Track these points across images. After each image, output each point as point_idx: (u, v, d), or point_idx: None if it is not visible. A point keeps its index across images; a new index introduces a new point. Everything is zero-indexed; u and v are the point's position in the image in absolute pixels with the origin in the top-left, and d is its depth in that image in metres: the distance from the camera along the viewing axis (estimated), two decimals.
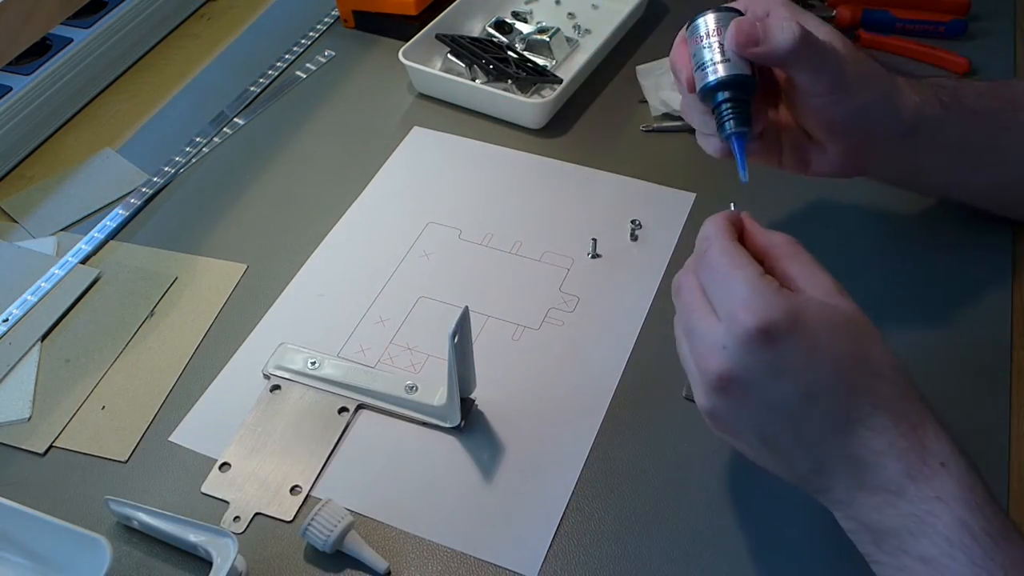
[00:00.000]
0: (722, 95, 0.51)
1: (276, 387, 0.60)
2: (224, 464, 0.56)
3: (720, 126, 0.52)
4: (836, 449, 0.43)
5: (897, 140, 0.57)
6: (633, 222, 0.69)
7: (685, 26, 0.54)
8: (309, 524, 0.51)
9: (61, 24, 0.83)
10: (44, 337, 0.65)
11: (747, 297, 0.42)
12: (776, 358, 0.42)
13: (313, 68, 0.88)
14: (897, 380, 0.43)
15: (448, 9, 0.86)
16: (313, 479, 0.55)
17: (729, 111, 0.51)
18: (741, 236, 0.48)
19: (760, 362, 0.42)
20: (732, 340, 0.43)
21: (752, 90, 0.52)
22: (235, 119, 0.83)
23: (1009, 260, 0.66)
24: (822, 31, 0.53)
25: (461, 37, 0.83)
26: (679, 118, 0.79)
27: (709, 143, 0.56)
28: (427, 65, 0.82)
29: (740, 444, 0.47)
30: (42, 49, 0.83)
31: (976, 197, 0.65)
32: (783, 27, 0.50)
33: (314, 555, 0.52)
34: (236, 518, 0.54)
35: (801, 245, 0.47)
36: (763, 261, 0.46)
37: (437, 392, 0.58)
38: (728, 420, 0.46)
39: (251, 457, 0.57)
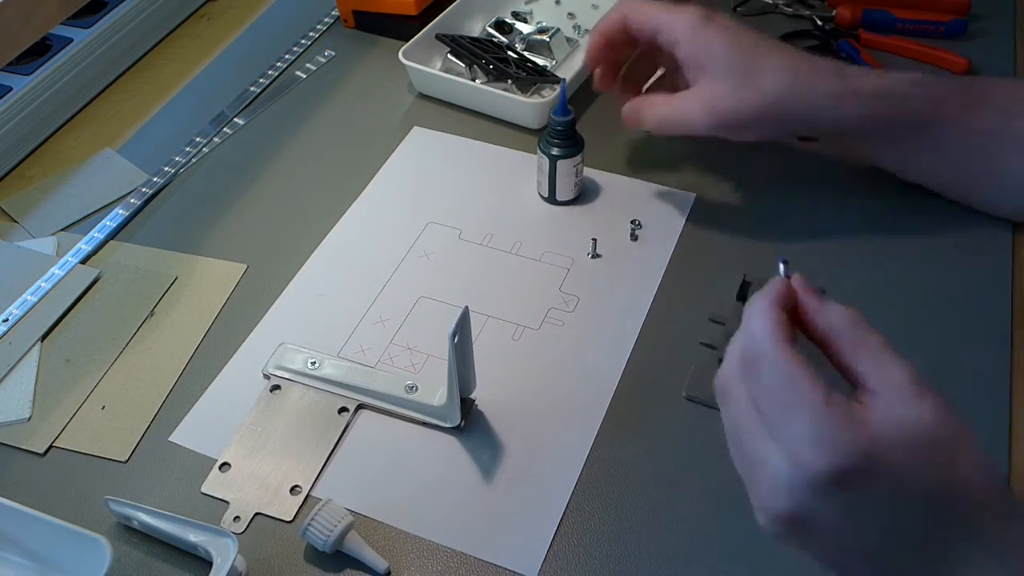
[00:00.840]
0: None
1: (276, 387, 0.60)
2: (224, 464, 0.56)
3: None
4: None
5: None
6: (633, 222, 0.69)
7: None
8: (309, 524, 0.51)
9: (61, 24, 0.83)
10: (44, 337, 0.65)
11: (814, 436, 0.36)
12: (851, 502, 0.37)
13: (313, 68, 0.88)
14: (993, 499, 0.37)
15: (448, 9, 0.86)
16: (313, 479, 0.55)
17: None
18: (793, 310, 0.41)
19: (832, 507, 0.37)
20: (799, 483, 0.37)
21: None
22: (235, 119, 0.83)
23: (1009, 260, 0.66)
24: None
25: (461, 37, 0.83)
26: None
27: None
28: (427, 65, 0.82)
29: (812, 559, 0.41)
30: (42, 49, 0.83)
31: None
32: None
33: (314, 555, 0.52)
34: (236, 518, 0.54)
35: (866, 323, 0.40)
36: (824, 348, 0.40)
37: (437, 392, 0.58)
38: (796, 548, 0.40)
39: (251, 457, 0.57)
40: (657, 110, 0.65)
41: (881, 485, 0.36)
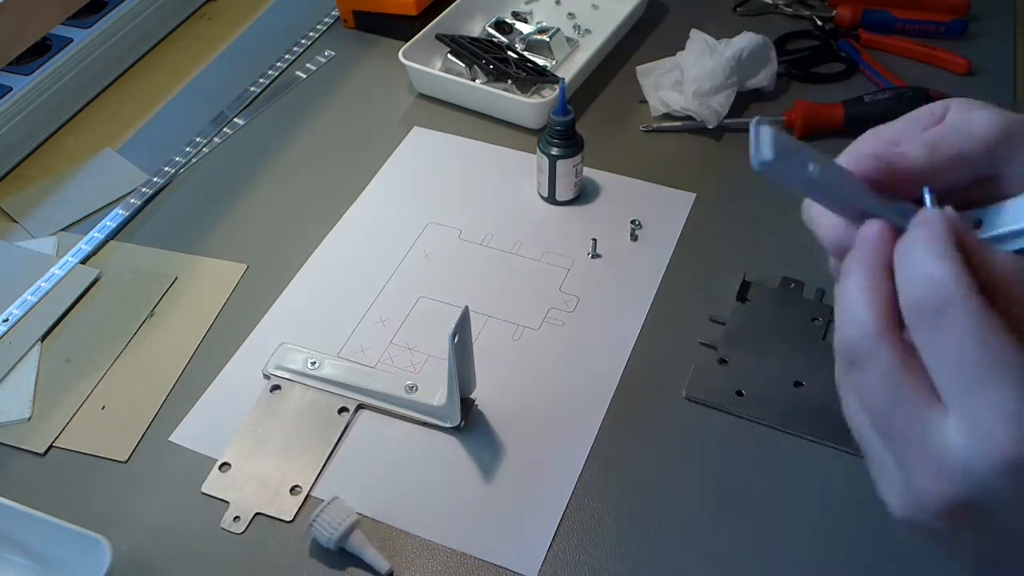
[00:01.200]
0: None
1: (276, 387, 0.60)
2: (224, 464, 0.56)
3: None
4: None
5: None
6: (633, 222, 0.69)
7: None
8: (315, 519, 0.51)
9: (61, 24, 0.83)
10: (44, 337, 0.65)
11: (1016, 408, 0.28)
12: (976, 525, 0.30)
13: (313, 68, 0.88)
14: None
15: (448, 9, 0.86)
16: (313, 479, 0.55)
17: None
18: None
19: (954, 529, 0.31)
20: (986, 463, 0.29)
21: None
22: (235, 119, 0.83)
23: None
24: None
25: (461, 37, 0.83)
26: (679, 118, 0.79)
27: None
28: (427, 65, 0.82)
29: (943, 548, 0.34)
30: (42, 49, 0.83)
31: None
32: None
33: (314, 555, 0.52)
34: (236, 518, 0.54)
35: None
36: (993, 300, 0.30)
37: (437, 392, 0.58)
38: (942, 542, 0.33)
39: (251, 457, 0.57)
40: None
41: (1016, 511, 0.29)
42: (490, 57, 0.80)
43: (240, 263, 0.69)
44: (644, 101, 0.80)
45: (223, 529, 0.53)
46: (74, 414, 0.60)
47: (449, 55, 0.82)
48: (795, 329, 0.62)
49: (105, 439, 0.58)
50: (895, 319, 0.31)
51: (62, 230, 0.73)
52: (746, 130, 0.77)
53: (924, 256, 0.30)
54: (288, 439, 0.57)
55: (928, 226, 0.31)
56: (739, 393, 0.58)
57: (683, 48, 0.79)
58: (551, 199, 0.72)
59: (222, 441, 0.57)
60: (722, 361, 0.60)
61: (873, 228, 0.32)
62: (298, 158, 0.79)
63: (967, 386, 0.29)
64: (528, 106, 0.77)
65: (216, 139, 0.80)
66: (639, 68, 0.81)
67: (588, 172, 0.74)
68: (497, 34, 0.86)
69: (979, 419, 0.29)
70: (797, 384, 0.58)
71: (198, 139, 0.80)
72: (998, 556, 0.32)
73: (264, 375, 0.61)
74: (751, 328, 0.62)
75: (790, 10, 0.91)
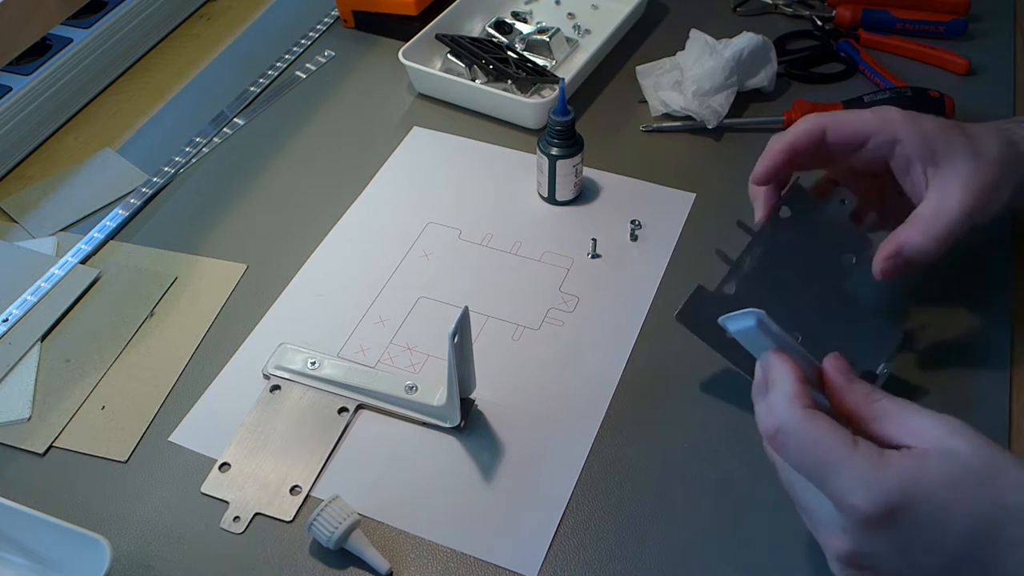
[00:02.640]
0: None
1: (276, 387, 0.60)
2: (224, 464, 0.56)
3: None
4: None
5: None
6: (633, 222, 0.69)
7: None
8: (315, 519, 0.51)
9: (61, 24, 0.83)
10: (44, 337, 0.65)
11: (852, 483, 0.39)
12: (902, 534, 0.39)
13: (313, 68, 0.88)
14: None
15: (448, 9, 0.86)
16: (313, 479, 0.55)
17: None
18: (819, 379, 0.45)
19: (885, 542, 0.40)
20: (851, 524, 0.40)
21: None
22: (235, 119, 0.83)
23: (1009, 260, 0.66)
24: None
25: (461, 37, 0.83)
26: (679, 118, 0.79)
27: None
28: (427, 65, 0.82)
29: None
30: (42, 49, 0.83)
31: None
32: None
33: (314, 555, 0.52)
34: (236, 518, 0.54)
35: (881, 394, 0.43)
36: (854, 425, 0.43)
37: (437, 392, 0.58)
38: None
39: (251, 457, 0.57)
40: (915, 231, 0.52)
41: (927, 513, 0.38)
42: (490, 57, 0.80)
43: (240, 263, 0.69)
44: (644, 101, 0.80)
45: (223, 529, 0.53)
46: (74, 414, 0.60)
47: (449, 55, 0.83)
48: (819, 266, 0.55)
49: (105, 439, 0.58)
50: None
51: (62, 230, 0.73)
52: (746, 130, 0.78)
53: (773, 388, 0.44)
54: (288, 439, 0.57)
55: (781, 369, 0.44)
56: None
57: (683, 48, 0.80)
58: (551, 199, 0.72)
59: (222, 441, 0.57)
60: (727, 287, 0.55)
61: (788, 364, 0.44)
62: (298, 158, 0.79)
63: (820, 477, 0.41)
64: (528, 106, 0.77)
65: (216, 139, 0.80)
66: (639, 68, 0.81)
67: (588, 172, 0.74)
68: (497, 34, 0.86)
69: (835, 496, 0.40)
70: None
71: (198, 139, 0.80)
72: None
73: (264, 375, 0.61)
74: (776, 254, 0.55)
75: (790, 10, 0.91)
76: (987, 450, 0.40)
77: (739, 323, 0.46)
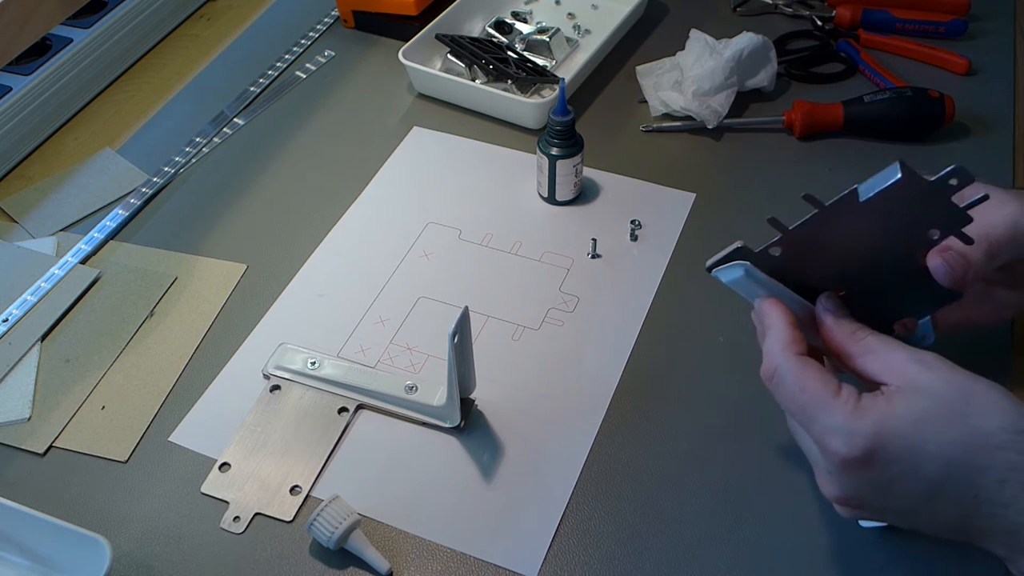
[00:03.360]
0: None
1: (276, 387, 0.60)
2: (224, 464, 0.56)
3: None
4: (977, 527, 0.42)
5: None
6: (633, 222, 0.69)
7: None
8: (315, 519, 0.51)
9: (61, 24, 0.83)
10: (44, 337, 0.65)
11: (832, 427, 0.42)
12: (881, 474, 0.42)
13: (313, 68, 0.88)
14: (1012, 438, 0.41)
15: (448, 9, 0.86)
16: (313, 479, 0.55)
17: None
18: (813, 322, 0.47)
19: (867, 482, 0.43)
20: (833, 467, 0.43)
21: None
22: (235, 119, 0.83)
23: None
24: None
25: (461, 37, 0.83)
26: (679, 118, 0.79)
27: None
28: (427, 65, 0.82)
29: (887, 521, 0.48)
30: (42, 49, 0.83)
31: None
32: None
33: (314, 555, 0.52)
34: (236, 518, 0.54)
35: (867, 332, 0.45)
36: (842, 361, 0.46)
37: (437, 392, 0.58)
38: (864, 517, 0.47)
39: (251, 457, 0.57)
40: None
41: (902, 453, 0.41)
42: (490, 57, 0.80)
43: (240, 263, 0.69)
44: (644, 101, 0.80)
45: (223, 529, 0.53)
46: (74, 414, 0.60)
47: (449, 55, 0.83)
48: (894, 236, 0.48)
49: (105, 439, 0.58)
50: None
51: (62, 230, 0.73)
52: (746, 130, 0.78)
53: (768, 334, 0.46)
54: (288, 439, 0.57)
55: (774, 317, 0.46)
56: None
57: (683, 48, 0.80)
58: (551, 199, 0.72)
59: (222, 441, 0.57)
60: (773, 250, 0.48)
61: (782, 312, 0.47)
62: (298, 158, 0.79)
63: (806, 419, 0.44)
64: (528, 106, 0.77)
65: (216, 139, 0.80)
66: (639, 68, 0.81)
67: (588, 172, 0.74)
68: (497, 34, 0.86)
69: (819, 440, 0.43)
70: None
71: (198, 139, 0.80)
72: (907, 521, 0.45)
73: (264, 375, 0.61)
74: (843, 225, 0.48)
75: (790, 10, 0.91)
76: (958, 382, 0.42)
77: (729, 274, 0.48)
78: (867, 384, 0.45)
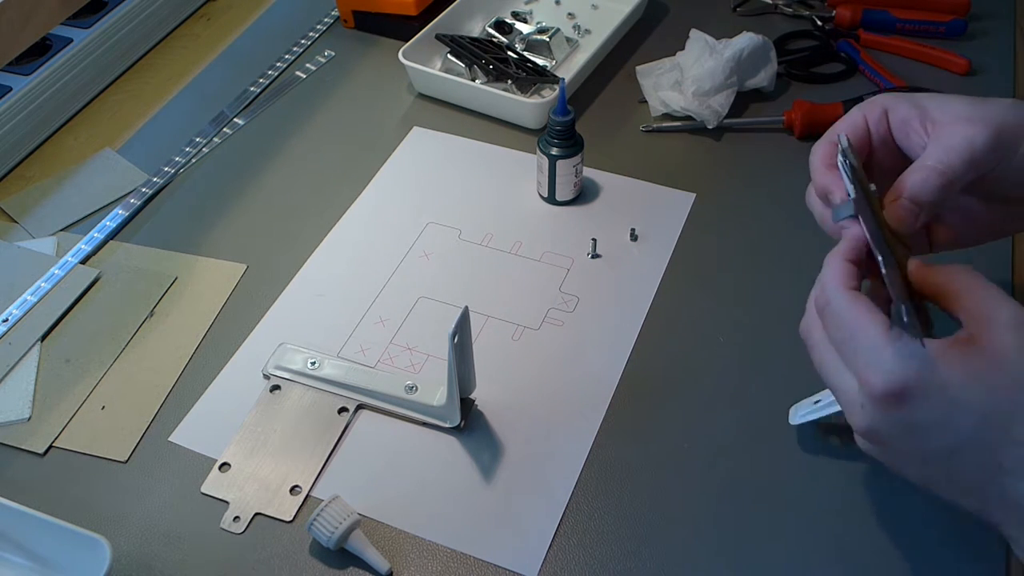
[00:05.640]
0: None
1: (276, 387, 0.60)
2: (224, 464, 0.56)
3: None
4: (994, 497, 0.42)
5: None
6: (632, 231, 0.69)
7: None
8: (315, 519, 0.51)
9: (61, 24, 0.83)
10: (44, 337, 0.65)
11: (873, 360, 0.42)
12: (910, 418, 0.42)
13: (313, 68, 0.88)
14: None
15: (448, 9, 0.86)
16: (313, 479, 0.55)
17: None
18: (903, 271, 0.45)
19: (896, 422, 0.42)
20: (866, 400, 0.43)
21: None
22: (235, 119, 0.83)
23: (1009, 260, 0.66)
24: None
25: (461, 37, 0.83)
26: (679, 118, 0.79)
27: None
28: (427, 65, 0.82)
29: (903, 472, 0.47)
30: (42, 49, 0.83)
31: None
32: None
33: (314, 555, 0.52)
34: (236, 518, 0.54)
35: (971, 274, 0.44)
36: (939, 302, 0.45)
37: (437, 392, 0.58)
38: (883, 459, 0.46)
39: (251, 457, 0.57)
40: (914, 171, 0.49)
41: (936, 405, 0.41)
42: (490, 57, 0.80)
43: (240, 263, 0.69)
44: (644, 101, 0.80)
45: (223, 529, 0.53)
46: (74, 414, 0.60)
47: (449, 55, 0.83)
48: None
49: (105, 439, 0.58)
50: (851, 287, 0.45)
51: (62, 230, 0.73)
52: (746, 130, 0.78)
53: (824, 267, 0.46)
54: (288, 439, 0.57)
55: (833, 258, 0.46)
56: None
57: (683, 48, 0.79)
58: (551, 199, 0.72)
59: (222, 441, 0.57)
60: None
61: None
62: (298, 158, 0.79)
63: (851, 351, 0.43)
64: (528, 106, 0.77)
65: (216, 139, 0.80)
66: (639, 68, 0.81)
67: (588, 172, 0.74)
68: (497, 34, 0.86)
69: (859, 372, 0.43)
70: None
71: (198, 139, 0.80)
72: (923, 473, 0.44)
73: (264, 375, 0.61)
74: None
75: (790, 10, 0.91)
76: (1019, 355, 0.40)
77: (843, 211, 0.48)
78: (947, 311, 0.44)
